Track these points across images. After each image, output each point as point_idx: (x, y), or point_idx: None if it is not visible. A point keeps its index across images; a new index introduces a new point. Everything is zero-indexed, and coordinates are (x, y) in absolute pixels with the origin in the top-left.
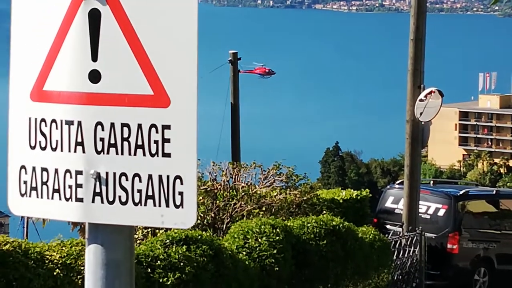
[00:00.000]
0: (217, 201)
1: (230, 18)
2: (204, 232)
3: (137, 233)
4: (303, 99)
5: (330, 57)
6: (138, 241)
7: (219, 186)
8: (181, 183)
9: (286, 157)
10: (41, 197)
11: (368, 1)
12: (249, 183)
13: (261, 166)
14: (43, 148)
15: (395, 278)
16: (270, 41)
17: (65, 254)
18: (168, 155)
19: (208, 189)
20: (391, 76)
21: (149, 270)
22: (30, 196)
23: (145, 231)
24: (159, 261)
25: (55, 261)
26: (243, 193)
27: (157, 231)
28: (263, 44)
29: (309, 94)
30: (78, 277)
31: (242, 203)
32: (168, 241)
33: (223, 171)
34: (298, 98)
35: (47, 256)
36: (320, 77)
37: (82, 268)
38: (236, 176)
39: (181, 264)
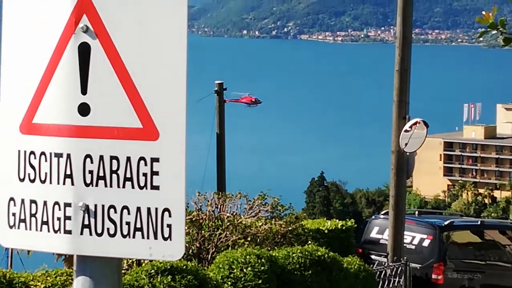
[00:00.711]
0: (202, 231)
1: (215, 48)
2: (189, 262)
3: (122, 263)
4: (288, 129)
5: (315, 88)
6: (123, 271)
7: (204, 216)
8: (170, 216)
9: (272, 187)
10: (30, 229)
11: (354, 32)
12: (234, 213)
13: (247, 196)
14: (32, 181)
15: None
16: (256, 71)
17: (50, 284)
18: (157, 187)
19: (194, 219)
20: (376, 107)
21: None
22: (18, 228)
23: (130, 261)
24: None
25: None
26: (228, 223)
27: (142, 261)
28: (249, 74)
29: (295, 124)
30: None
31: (227, 233)
32: (153, 271)
33: (208, 201)
34: (284, 128)
35: (32, 286)
36: (305, 107)
37: None
38: (222, 206)
39: None
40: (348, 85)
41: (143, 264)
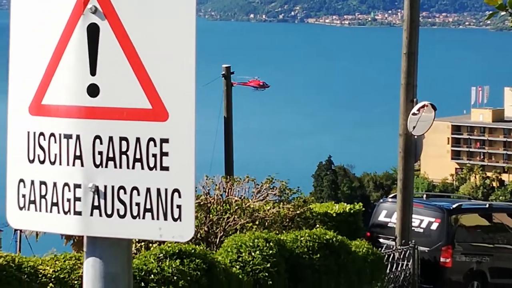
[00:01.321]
0: (211, 215)
1: (223, 32)
2: (197, 246)
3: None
4: (296, 113)
5: (323, 71)
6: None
7: (213, 200)
8: (179, 197)
9: (279, 171)
10: (40, 211)
11: (361, 15)
12: (242, 197)
13: (254, 180)
14: (42, 162)
15: None
16: (263, 55)
17: (59, 268)
18: (166, 168)
19: (202, 203)
20: (384, 90)
21: (142, 284)
22: (28, 209)
23: (139, 245)
24: (152, 275)
25: (49, 275)
26: (236, 207)
27: (151, 245)
28: (256, 58)
29: (302, 107)
30: None
31: (236, 217)
32: (161, 255)
33: (216, 185)
34: (291, 112)
35: (41, 271)
36: (313, 91)
37: (76, 282)
38: (230, 190)
39: (175, 278)
40: (355, 69)
41: (152, 248)
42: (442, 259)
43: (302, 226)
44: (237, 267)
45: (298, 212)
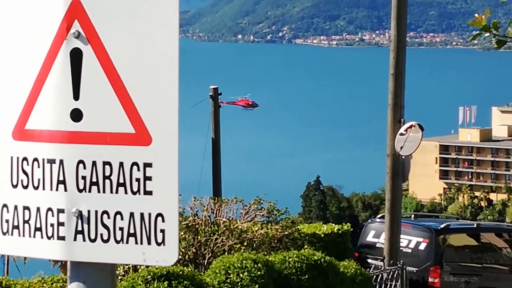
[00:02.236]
0: (199, 236)
1: (211, 53)
2: (185, 267)
3: (119, 268)
4: (285, 133)
5: (311, 92)
6: (120, 277)
7: (201, 221)
8: (163, 221)
9: (268, 191)
10: (23, 236)
11: (348, 36)
12: (230, 218)
13: (242, 201)
14: (25, 187)
15: None
16: (251, 76)
17: None
18: (150, 193)
19: (190, 224)
20: (372, 110)
21: None
22: (12, 234)
23: (126, 266)
24: None
25: None
26: (224, 228)
27: (139, 266)
28: (245, 79)
29: (291, 128)
30: None
31: (224, 238)
32: (149, 277)
33: (204, 206)
34: (280, 132)
35: None
36: (301, 111)
37: None
38: (218, 211)
39: None
40: (343, 89)
41: (140, 270)
42: (430, 279)
43: (290, 247)
44: None
45: (286, 233)
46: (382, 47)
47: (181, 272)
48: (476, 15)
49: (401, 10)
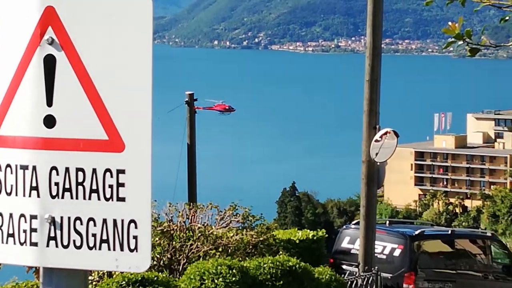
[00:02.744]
0: (174, 242)
1: (187, 59)
2: (160, 273)
3: (93, 274)
4: (260, 139)
5: (288, 98)
6: (94, 283)
7: (176, 227)
8: (136, 227)
9: (243, 197)
10: None
11: (324, 42)
12: (205, 224)
13: (218, 207)
14: None
15: None
16: (227, 82)
17: None
18: (123, 199)
19: (165, 230)
20: (348, 117)
21: None
22: None
23: (101, 272)
24: None
25: None
26: (199, 234)
27: (113, 272)
28: (221, 85)
29: (267, 134)
30: None
31: (199, 244)
32: (124, 282)
33: (179, 212)
34: (256, 138)
35: None
36: (277, 117)
37: None
38: (193, 217)
39: None
40: (318, 96)
41: (114, 276)
42: (404, 285)
43: (265, 253)
44: None
45: (261, 239)
46: (358, 53)
47: (155, 278)
48: (450, 23)
49: (376, 17)
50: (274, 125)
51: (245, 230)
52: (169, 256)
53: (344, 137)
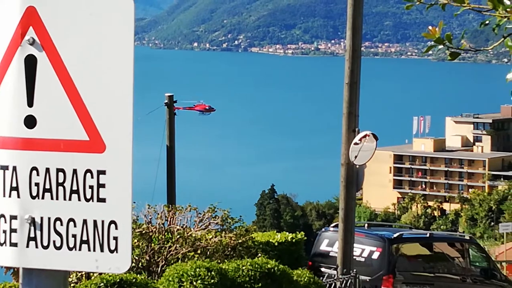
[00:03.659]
0: (152, 244)
1: (167, 60)
2: (138, 275)
3: (72, 276)
4: (239, 141)
5: (267, 100)
6: (72, 284)
7: (154, 229)
8: (116, 228)
9: (222, 199)
10: None
11: (304, 45)
12: (184, 226)
13: (197, 209)
14: None
15: None
16: (206, 84)
17: None
18: (103, 200)
19: (143, 232)
20: (327, 120)
21: None
22: None
23: (80, 274)
24: None
25: None
26: (178, 236)
27: (92, 274)
28: (200, 86)
29: (246, 136)
30: None
31: (177, 246)
32: (102, 284)
33: (158, 214)
34: (235, 141)
35: None
36: (256, 119)
37: None
38: (171, 219)
39: None
40: (298, 98)
41: (93, 278)
42: None
43: (244, 255)
44: None
45: (240, 241)
46: (337, 56)
47: (134, 280)
48: (430, 27)
49: (356, 20)
50: (253, 127)
51: (224, 232)
52: (147, 258)
53: (323, 139)
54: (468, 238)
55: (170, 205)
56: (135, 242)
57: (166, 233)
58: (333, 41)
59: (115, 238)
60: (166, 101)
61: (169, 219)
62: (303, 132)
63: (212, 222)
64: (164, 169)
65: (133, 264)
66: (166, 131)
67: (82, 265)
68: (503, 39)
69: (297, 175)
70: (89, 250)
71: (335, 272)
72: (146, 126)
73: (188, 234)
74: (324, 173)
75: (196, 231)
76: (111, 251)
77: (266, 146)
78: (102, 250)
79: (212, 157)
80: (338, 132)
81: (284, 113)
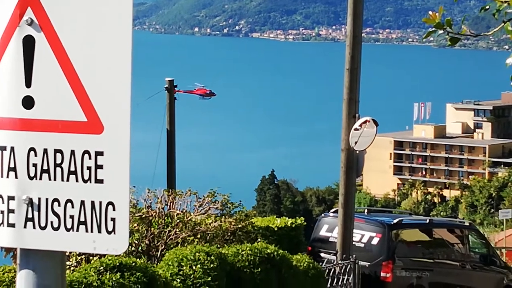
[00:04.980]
0: (152, 228)
1: (167, 45)
2: (138, 259)
3: (71, 259)
4: (240, 127)
5: (268, 86)
6: (72, 268)
7: (154, 213)
8: (114, 209)
9: (222, 185)
10: None
11: (305, 31)
12: (184, 211)
13: (197, 194)
14: None
15: None
16: (207, 69)
17: None
18: (101, 181)
19: (143, 216)
20: (327, 105)
21: None
22: None
23: (79, 258)
24: None
25: None
26: (178, 221)
27: (91, 258)
28: (201, 72)
29: (246, 121)
30: None
31: (177, 230)
32: (102, 268)
33: (158, 198)
34: (235, 126)
35: None
36: (257, 105)
37: None
38: (171, 204)
39: None
40: (299, 84)
41: (92, 261)
42: (382, 274)
43: (244, 240)
44: (178, 280)
45: (239, 226)
46: (338, 42)
47: (133, 264)
48: (430, 12)
49: (357, 6)
50: (254, 113)
51: (223, 217)
52: (147, 242)
53: (324, 125)
54: (467, 224)
55: (170, 190)
56: (134, 227)
57: (166, 218)
58: (334, 27)
59: (113, 219)
60: (167, 85)
61: (169, 204)
62: (303, 118)
63: (212, 207)
64: (164, 153)
65: (133, 248)
66: (166, 116)
67: (80, 246)
68: (503, 24)
69: (298, 161)
70: (86, 231)
71: (334, 257)
72: (146, 111)
73: (188, 219)
74: (324, 159)
75: (196, 215)
76: (109, 232)
77: (266, 131)
78: (99, 231)
79: (213, 142)
80: (338, 118)
81: (285, 99)
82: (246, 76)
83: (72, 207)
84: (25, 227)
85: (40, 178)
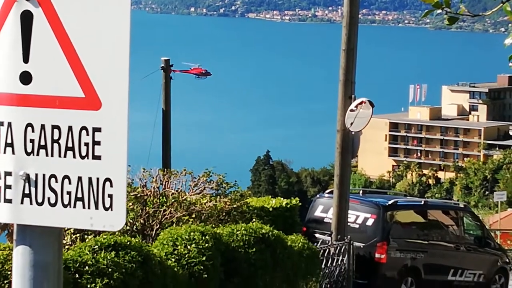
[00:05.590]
0: (147, 208)
1: (163, 25)
2: (133, 238)
3: (66, 238)
4: (235, 107)
5: (264, 67)
6: (67, 246)
7: (149, 193)
8: (111, 186)
9: (217, 165)
10: None
11: (301, 11)
12: (179, 190)
13: (192, 173)
14: None
15: (323, 286)
16: (203, 49)
17: None
18: (98, 157)
19: (138, 195)
20: (323, 86)
21: (77, 275)
22: None
23: (74, 236)
24: (87, 267)
25: None
26: (173, 200)
27: (86, 236)
28: (197, 52)
29: (242, 102)
30: (5, 281)
31: (172, 210)
32: (96, 246)
33: (153, 177)
34: (231, 106)
35: None
36: (252, 86)
37: (9, 272)
38: (166, 183)
39: (109, 270)
40: (295, 64)
41: (87, 240)
42: (377, 255)
43: (239, 220)
44: (173, 260)
45: (234, 206)
46: (334, 23)
47: (128, 243)
48: None
49: None
50: (250, 94)
51: (218, 197)
52: (142, 221)
53: (319, 106)
54: (462, 206)
55: (165, 169)
56: (130, 206)
57: (161, 197)
58: (330, 8)
59: (110, 196)
60: (162, 65)
61: (164, 183)
62: (299, 99)
63: (207, 187)
64: (159, 133)
65: (128, 228)
66: (162, 95)
67: (77, 222)
68: (501, 4)
69: (293, 142)
70: (83, 207)
71: (329, 238)
72: (142, 91)
73: (183, 198)
74: (319, 140)
75: (191, 195)
76: (106, 209)
77: (262, 112)
78: (96, 208)
79: (208, 122)
80: (334, 99)
81: (281, 80)
82: (242, 56)
83: (69, 183)
84: (22, 203)
85: (38, 154)
